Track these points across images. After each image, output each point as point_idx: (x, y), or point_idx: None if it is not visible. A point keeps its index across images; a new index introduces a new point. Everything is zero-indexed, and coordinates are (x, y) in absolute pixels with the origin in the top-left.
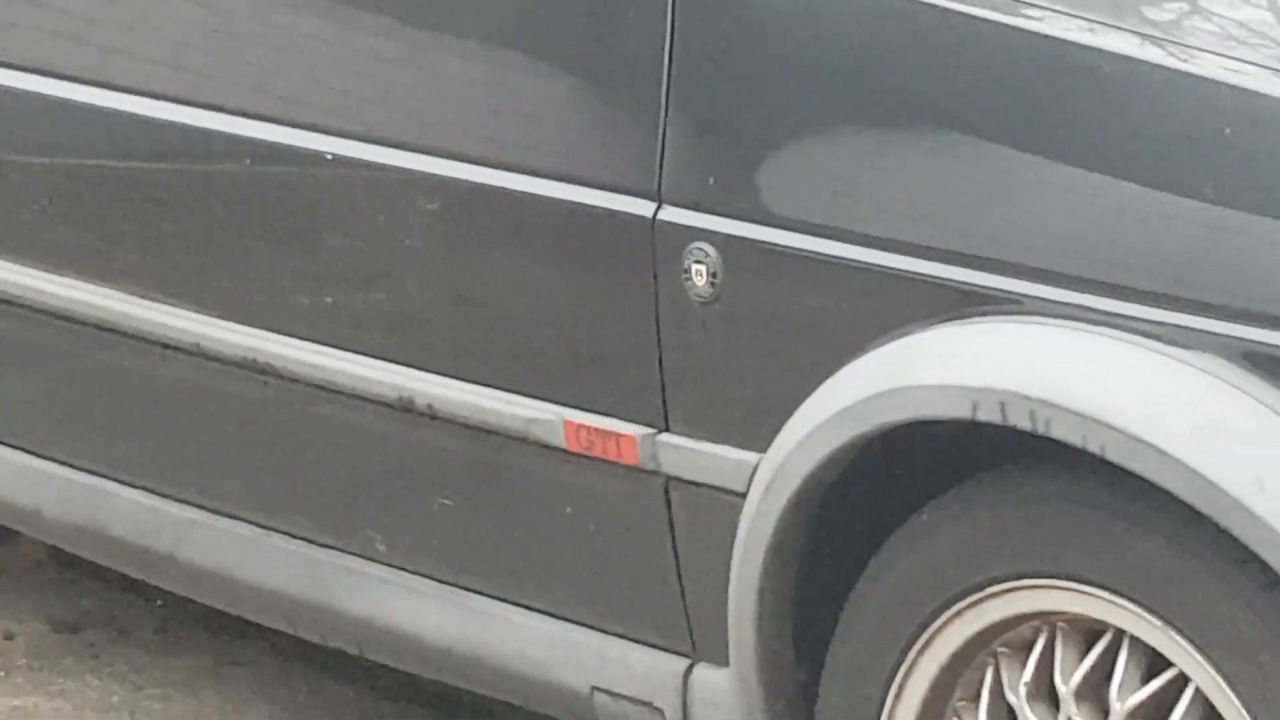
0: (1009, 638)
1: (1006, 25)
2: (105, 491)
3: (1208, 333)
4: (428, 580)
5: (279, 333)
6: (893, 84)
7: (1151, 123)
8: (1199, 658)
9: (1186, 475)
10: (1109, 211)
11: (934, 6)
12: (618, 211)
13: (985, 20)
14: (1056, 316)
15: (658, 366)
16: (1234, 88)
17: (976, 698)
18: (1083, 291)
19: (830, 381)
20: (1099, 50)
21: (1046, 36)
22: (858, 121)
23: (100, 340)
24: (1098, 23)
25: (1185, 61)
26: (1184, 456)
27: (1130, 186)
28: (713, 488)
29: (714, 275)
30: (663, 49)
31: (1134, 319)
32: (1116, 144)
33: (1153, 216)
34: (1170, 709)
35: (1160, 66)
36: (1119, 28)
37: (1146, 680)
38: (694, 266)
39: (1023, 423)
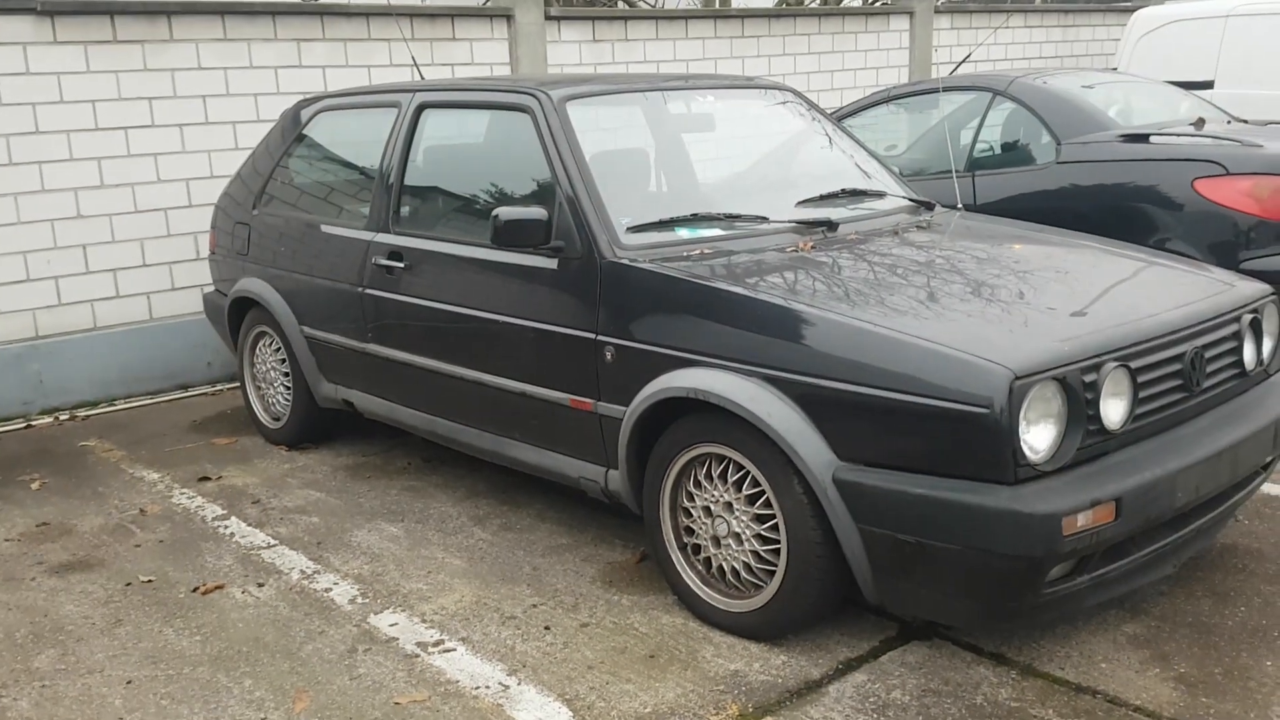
0: (701, 460)
1: (718, 287)
2: (434, 419)
3: (761, 374)
4: (514, 442)
5: (477, 370)
6: (678, 302)
7: (762, 316)
8: (756, 468)
9: (752, 414)
10: (733, 337)
11: (692, 281)
12: (582, 336)
13: (710, 286)
14: (714, 368)
15: (597, 381)
16: (770, 304)
17: (692, 480)
18: (726, 360)
19: (647, 386)
20: (750, 297)
21: (717, 289)
22: (661, 314)
23: (431, 374)
24: (755, 288)
25: (767, 295)
26: (753, 408)
27: (744, 333)
28: (613, 418)
29: (615, 355)
30: (594, 289)
31: (742, 369)
32: (741, 321)
33: (748, 339)
34: (741, 486)
35: (757, 299)
36: (765, 288)
37: (736, 474)
38: (607, 351)
39: (705, 399)
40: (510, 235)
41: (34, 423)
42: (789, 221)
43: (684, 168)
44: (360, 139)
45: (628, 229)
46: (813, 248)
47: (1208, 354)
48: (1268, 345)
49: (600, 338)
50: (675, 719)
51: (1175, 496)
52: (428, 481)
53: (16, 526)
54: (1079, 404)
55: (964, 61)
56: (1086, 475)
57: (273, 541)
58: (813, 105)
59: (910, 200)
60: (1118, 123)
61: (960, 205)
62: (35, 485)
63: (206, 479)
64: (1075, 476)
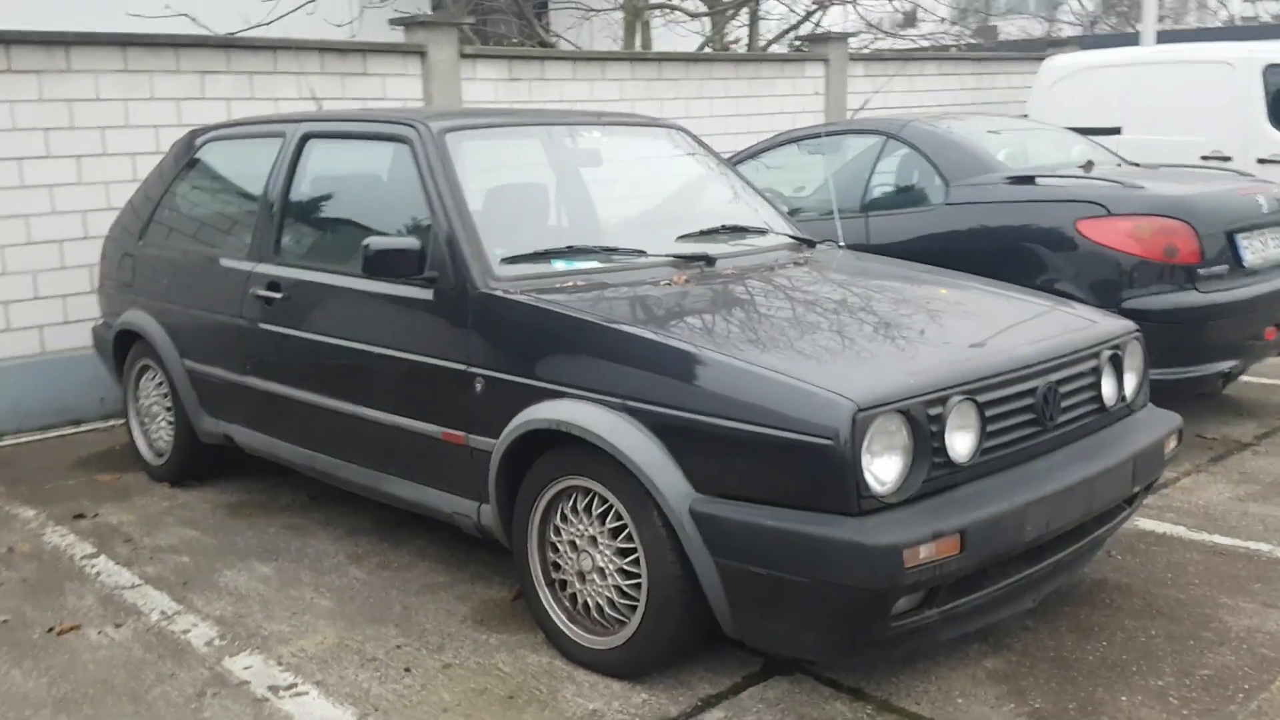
0: (567, 492)
1: (581, 318)
2: (312, 454)
3: (622, 405)
4: (390, 477)
5: (353, 403)
6: (544, 333)
7: (624, 348)
8: (617, 501)
9: (611, 446)
10: (596, 368)
11: (556, 311)
12: (454, 368)
13: (576, 317)
14: (579, 400)
15: (468, 414)
16: (629, 334)
17: (559, 514)
18: (590, 392)
19: (516, 417)
20: (610, 327)
21: (580, 319)
22: (528, 345)
23: (309, 408)
24: (617, 319)
25: (627, 326)
26: (611, 439)
27: (606, 364)
28: (484, 451)
29: (485, 387)
30: (466, 319)
31: (605, 401)
32: (603, 351)
33: (610, 370)
34: (605, 519)
35: (617, 330)
36: (627, 319)
37: (601, 506)
38: (477, 383)
39: (569, 431)
40: (381, 265)
41: None
42: (667, 256)
43: (567, 201)
44: (246, 169)
45: (502, 260)
46: (687, 282)
47: (1063, 389)
48: (1130, 381)
49: (471, 369)
50: None
51: (1024, 530)
52: (310, 519)
53: None
54: (924, 437)
55: (861, 109)
56: (931, 508)
57: (138, 581)
58: (702, 144)
59: (792, 238)
60: (1006, 165)
61: (842, 243)
62: None
63: (82, 516)
64: (920, 509)
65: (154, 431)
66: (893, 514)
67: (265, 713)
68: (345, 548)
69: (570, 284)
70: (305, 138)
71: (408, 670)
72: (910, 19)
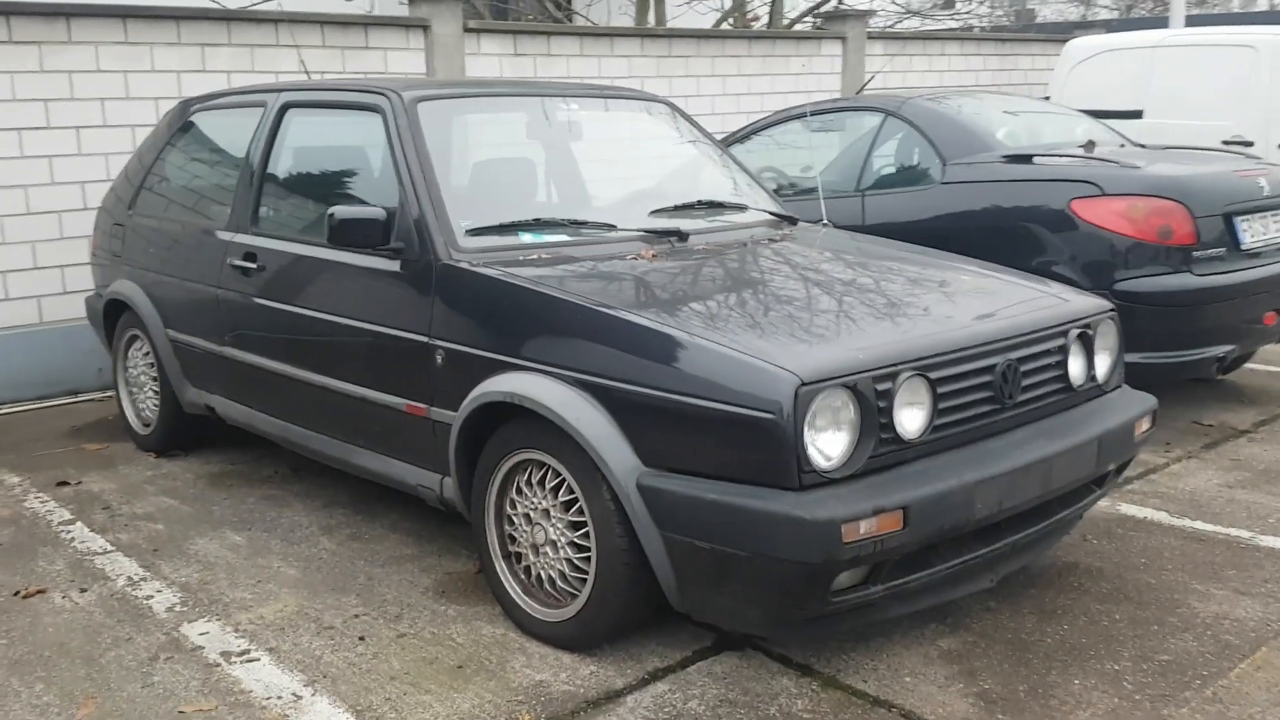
0: (523, 465)
1: (536, 290)
2: (287, 425)
3: (574, 379)
4: (359, 449)
5: (324, 374)
6: (501, 305)
7: (577, 322)
8: (569, 474)
9: (561, 419)
10: (550, 341)
11: (512, 284)
12: (416, 340)
13: (530, 289)
14: (532, 372)
15: (430, 386)
16: (580, 307)
17: (515, 487)
18: (545, 365)
19: (473, 390)
20: (562, 299)
21: (535, 291)
22: (486, 317)
23: (283, 379)
24: (570, 291)
25: (578, 299)
26: (561, 412)
27: (560, 337)
28: (444, 423)
29: (445, 359)
30: (430, 291)
31: (558, 374)
32: (557, 324)
33: (563, 343)
34: (558, 493)
35: (568, 302)
36: (581, 292)
37: (554, 480)
38: (438, 355)
39: (521, 404)
40: (346, 235)
41: None
42: (637, 230)
43: (543, 174)
44: (230, 139)
45: (467, 231)
46: (655, 257)
47: (1024, 367)
48: (1102, 361)
49: (433, 341)
50: None
51: (974, 508)
52: (288, 491)
53: None
54: (871, 412)
55: (864, 88)
56: (875, 484)
57: (109, 547)
58: (690, 120)
59: (773, 215)
60: (1005, 144)
61: (826, 221)
62: None
63: (65, 484)
64: (864, 485)
65: (141, 401)
66: (835, 489)
67: (214, 678)
68: (319, 519)
69: (535, 257)
70: (285, 107)
71: (362, 639)
72: (949, 1)
